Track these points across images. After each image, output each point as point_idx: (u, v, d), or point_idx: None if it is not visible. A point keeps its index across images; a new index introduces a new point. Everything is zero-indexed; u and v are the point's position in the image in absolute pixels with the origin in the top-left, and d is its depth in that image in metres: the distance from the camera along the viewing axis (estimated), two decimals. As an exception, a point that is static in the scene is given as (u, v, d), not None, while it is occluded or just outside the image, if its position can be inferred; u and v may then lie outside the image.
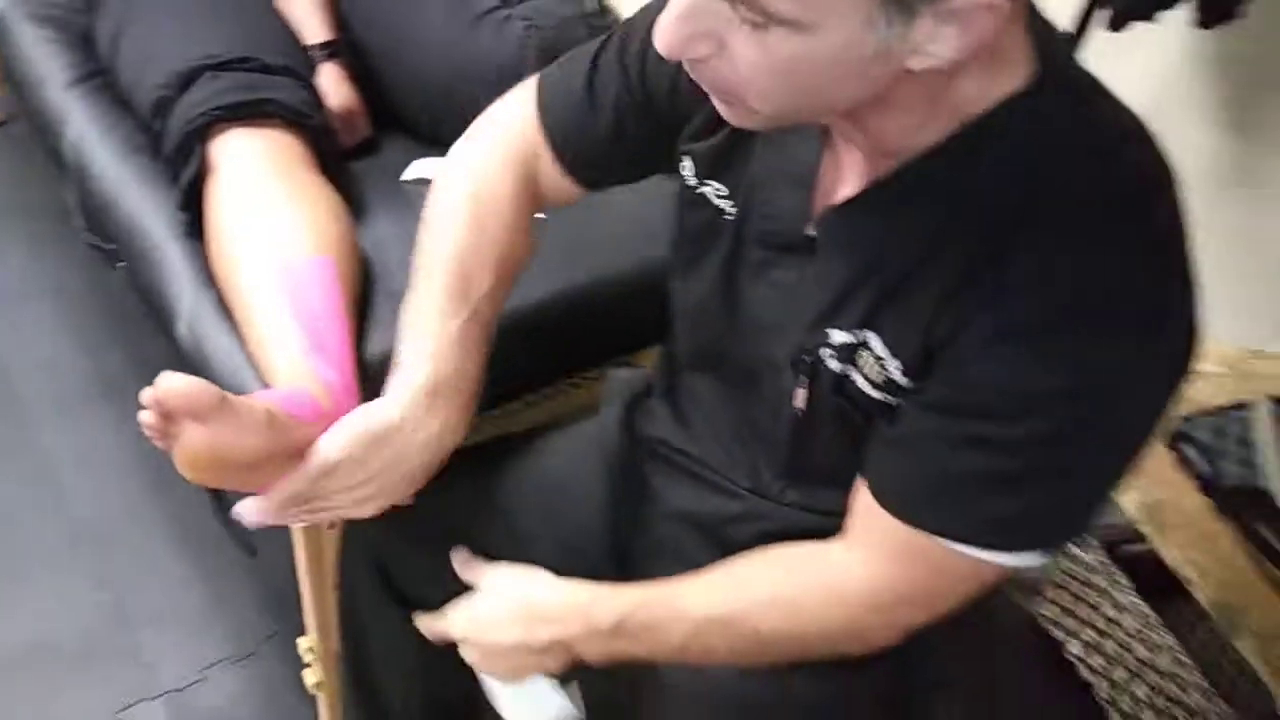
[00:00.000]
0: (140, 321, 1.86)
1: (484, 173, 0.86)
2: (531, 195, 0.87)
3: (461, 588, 1.04)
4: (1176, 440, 1.28)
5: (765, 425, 0.80)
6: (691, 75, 0.61)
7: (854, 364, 0.69)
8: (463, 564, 0.85)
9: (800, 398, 0.74)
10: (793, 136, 0.71)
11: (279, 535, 1.14)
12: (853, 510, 0.73)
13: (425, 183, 1.25)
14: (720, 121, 0.70)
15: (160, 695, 1.41)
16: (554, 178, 0.87)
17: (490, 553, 0.97)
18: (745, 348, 0.78)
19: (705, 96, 0.65)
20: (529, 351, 1.10)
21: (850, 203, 0.66)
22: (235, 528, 1.20)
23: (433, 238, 0.85)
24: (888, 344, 0.66)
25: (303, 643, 1.24)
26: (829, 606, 0.72)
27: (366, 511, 0.81)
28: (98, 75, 1.32)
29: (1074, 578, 1.63)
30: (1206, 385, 1.39)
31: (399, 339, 0.82)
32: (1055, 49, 0.62)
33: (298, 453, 0.76)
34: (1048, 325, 0.59)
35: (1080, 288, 0.59)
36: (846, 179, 0.68)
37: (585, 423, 1.07)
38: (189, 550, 1.57)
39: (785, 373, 0.74)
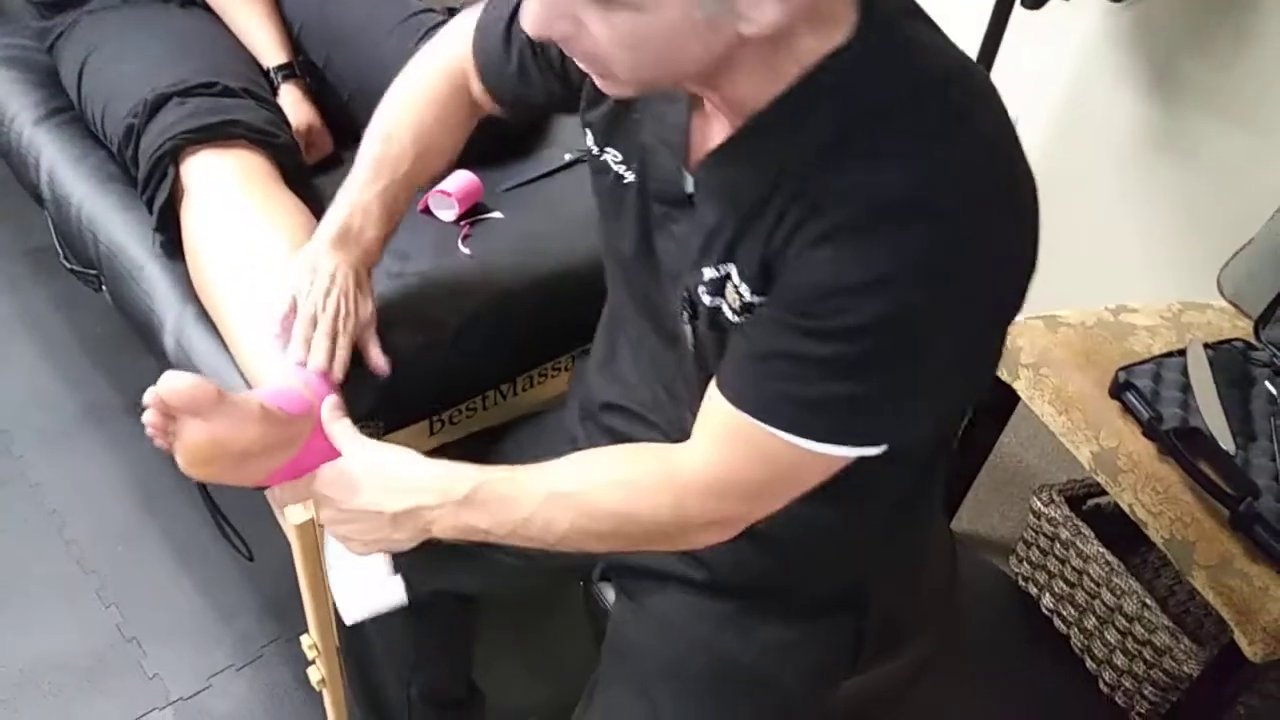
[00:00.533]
0: (119, 353, 1.91)
1: (425, 76, 1.01)
2: (464, 103, 1.01)
3: (451, 581, 1.09)
4: (1120, 389, 1.34)
5: (678, 368, 0.87)
6: (565, 51, 0.68)
7: (723, 296, 0.75)
8: (333, 422, 0.88)
9: (688, 335, 0.81)
10: (667, 106, 0.79)
11: (274, 539, 1.19)
12: (702, 405, 0.78)
13: (389, 192, 1.31)
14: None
15: (170, 704, 1.45)
16: (481, 96, 1.00)
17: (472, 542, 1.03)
18: (664, 295, 0.84)
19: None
20: (498, 344, 1.15)
21: (713, 155, 0.74)
22: (232, 534, 1.25)
23: (376, 119, 1.01)
24: (741, 271, 0.73)
25: (305, 640, 1.28)
26: (661, 489, 0.77)
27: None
28: (66, 110, 1.37)
29: (1041, 533, 1.69)
30: (1145, 336, 1.46)
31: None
32: (879, 5, 0.68)
33: (289, 443, 0.82)
34: (855, 227, 0.64)
35: (887, 196, 0.64)
36: (714, 137, 0.75)
37: (554, 411, 1.13)
38: (186, 563, 1.62)
39: (679, 314, 0.81)
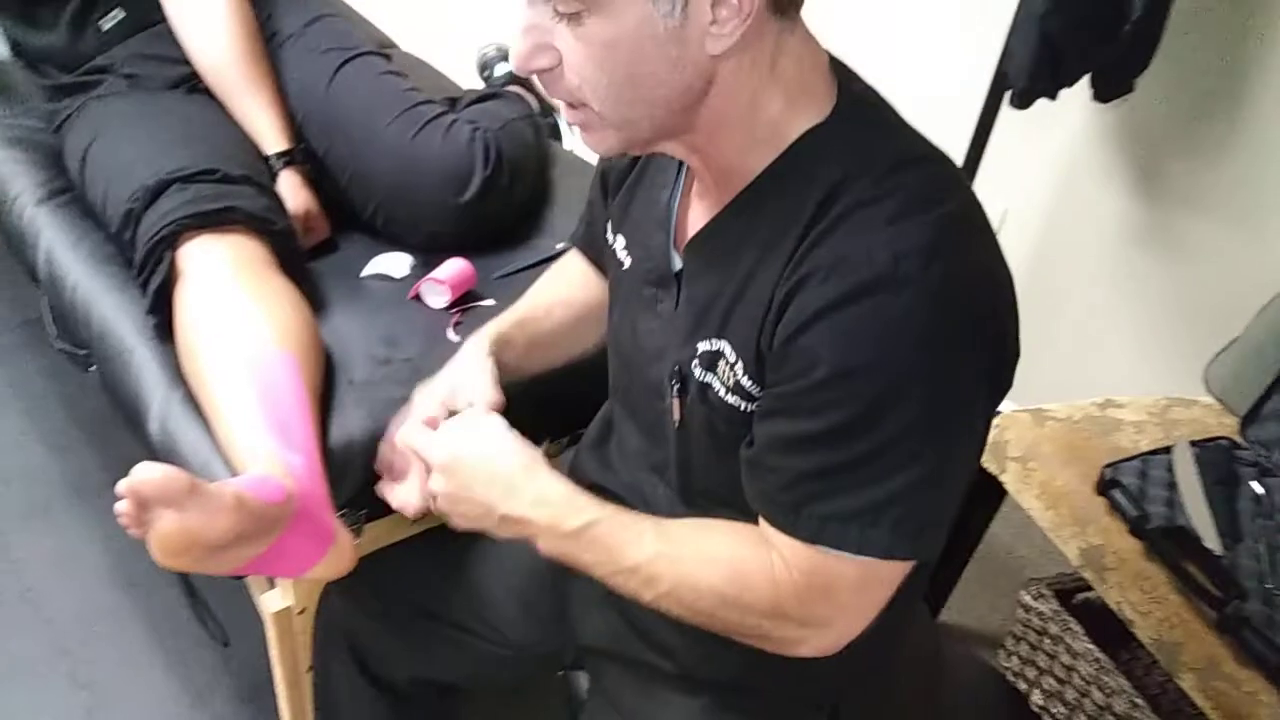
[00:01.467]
0: (107, 427, 1.91)
1: (548, 277, 1.09)
2: (587, 282, 1.05)
3: (430, 669, 1.08)
4: (1106, 486, 1.34)
5: (662, 450, 0.87)
6: (549, 92, 0.71)
7: (714, 371, 0.77)
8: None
9: (676, 410, 0.82)
10: (660, 191, 0.82)
11: (251, 625, 1.18)
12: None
13: (384, 278, 1.33)
14: (620, 180, 0.86)
15: (135, 791, 1.41)
16: (591, 273, 1.04)
17: (456, 622, 1.02)
18: (645, 377, 0.85)
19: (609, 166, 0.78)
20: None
21: (703, 231, 0.77)
22: (208, 619, 1.24)
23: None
24: (735, 348, 0.74)
25: (278, 729, 1.26)
26: (760, 580, 0.76)
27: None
28: (66, 191, 1.40)
29: (1030, 627, 1.67)
30: (1132, 432, 1.46)
31: None
32: (855, 89, 0.73)
33: (266, 532, 0.82)
34: (843, 304, 0.66)
35: (872, 270, 0.65)
36: (703, 215, 0.78)
37: None
38: (165, 647, 1.59)
39: (667, 391, 0.82)
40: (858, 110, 0.72)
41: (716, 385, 0.77)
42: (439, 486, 0.84)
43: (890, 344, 0.65)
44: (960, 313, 0.66)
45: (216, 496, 0.78)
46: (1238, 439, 1.41)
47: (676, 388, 0.81)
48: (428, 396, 0.93)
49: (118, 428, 1.24)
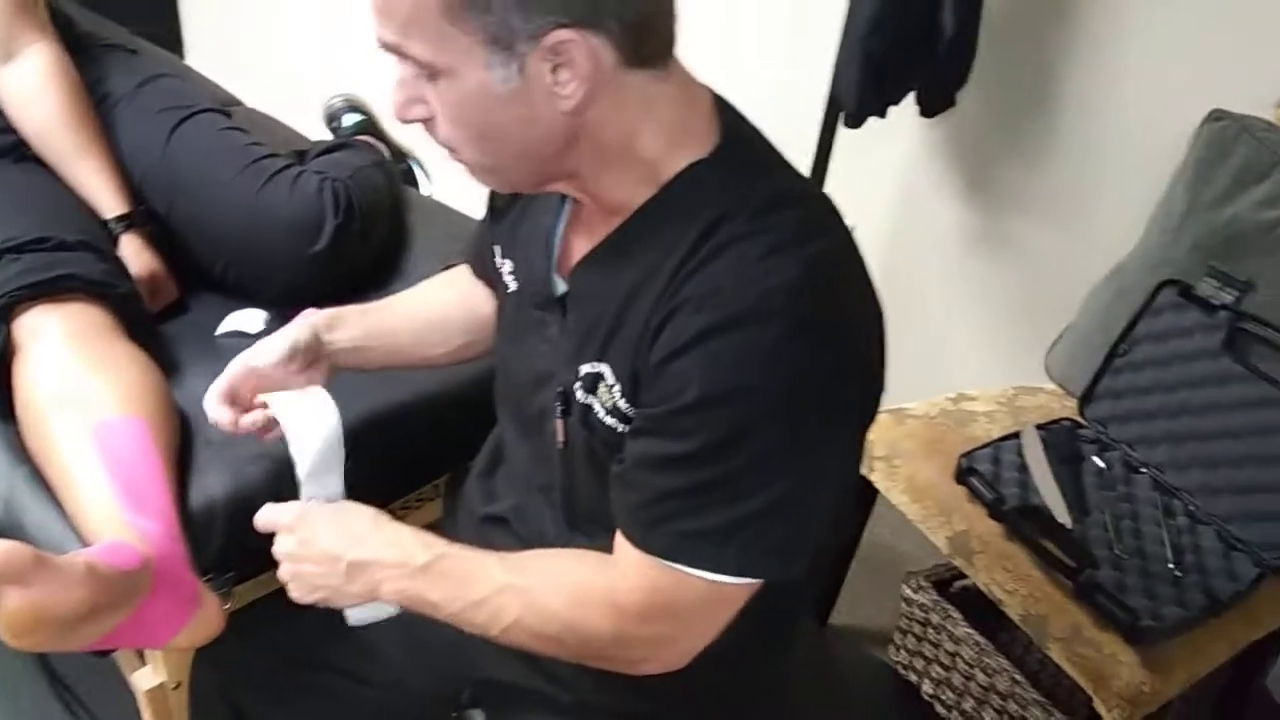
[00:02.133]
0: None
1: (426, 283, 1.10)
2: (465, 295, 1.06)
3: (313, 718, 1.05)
4: (964, 474, 1.41)
5: (548, 472, 0.88)
6: (433, 140, 0.74)
7: (595, 394, 0.79)
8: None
9: (560, 431, 0.83)
10: (544, 216, 0.84)
11: (124, 702, 1.13)
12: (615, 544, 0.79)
13: (240, 335, 1.31)
14: (509, 205, 0.89)
15: None
16: (477, 289, 1.05)
17: (340, 669, 1.00)
18: (534, 399, 0.87)
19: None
20: (356, 478, 1.14)
21: (588, 258, 0.79)
22: (77, 709, 1.18)
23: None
24: (614, 372, 0.77)
25: (157, 814, 1.20)
26: (601, 604, 0.77)
27: None
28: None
29: (914, 619, 1.73)
30: (985, 422, 1.54)
31: None
32: (739, 129, 0.77)
33: (122, 601, 0.79)
34: (711, 335, 0.68)
35: (740, 303, 0.68)
36: (588, 241, 0.80)
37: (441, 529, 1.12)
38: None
39: (552, 412, 0.83)
40: (739, 149, 0.75)
41: (597, 407, 0.79)
42: (284, 546, 0.84)
43: (754, 373, 0.67)
44: (825, 346, 0.69)
45: (66, 568, 0.75)
46: (1078, 419, 1.51)
47: (560, 409, 0.82)
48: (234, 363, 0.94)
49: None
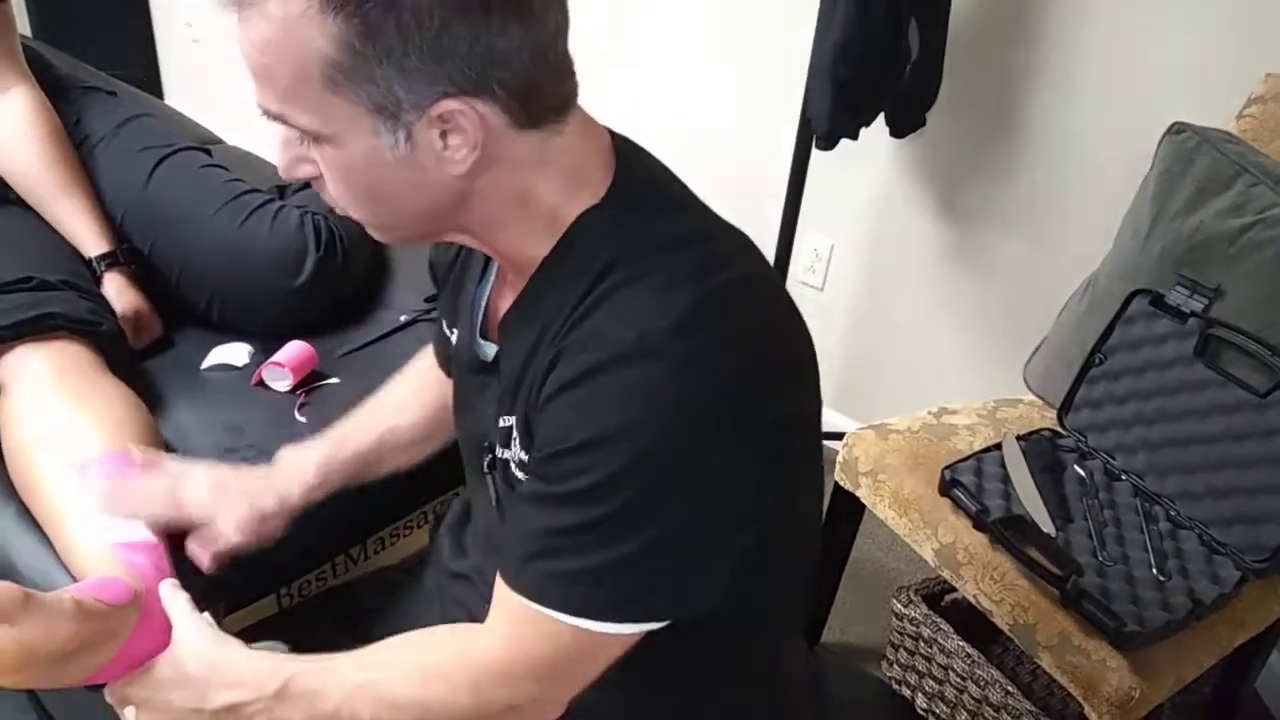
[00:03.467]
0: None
1: (396, 391, 1.08)
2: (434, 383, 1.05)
3: None
4: (948, 487, 1.42)
5: (496, 529, 0.86)
6: (322, 196, 0.73)
7: (509, 448, 0.78)
8: (169, 600, 0.87)
9: (491, 486, 0.83)
10: (473, 284, 0.85)
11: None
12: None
13: (225, 367, 1.32)
14: (445, 276, 0.88)
15: None
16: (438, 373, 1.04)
17: None
18: (480, 459, 0.86)
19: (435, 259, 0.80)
20: (340, 508, 1.13)
21: (505, 317, 0.78)
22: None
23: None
24: (516, 425, 0.76)
25: None
26: (457, 674, 0.75)
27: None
28: None
29: (905, 634, 1.73)
30: (966, 434, 1.56)
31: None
32: (636, 169, 0.74)
33: (111, 636, 0.79)
34: (584, 377, 0.66)
35: (614, 345, 0.66)
36: (509, 300, 0.79)
37: (416, 576, 1.10)
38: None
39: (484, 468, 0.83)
40: (633, 191, 0.73)
41: (512, 464, 0.78)
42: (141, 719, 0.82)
43: (635, 412, 0.65)
44: (709, 386, 0.66)
45: (54, 605, 0.75)
46: (1058, 429, 1.53)
47: (487, 464, 0.82)
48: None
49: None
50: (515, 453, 0.77)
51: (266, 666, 0.79)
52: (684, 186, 0.77)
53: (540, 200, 0.71)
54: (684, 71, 2.10)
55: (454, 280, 0.89)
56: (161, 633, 0.83)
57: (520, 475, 0.76)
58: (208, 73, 3.02)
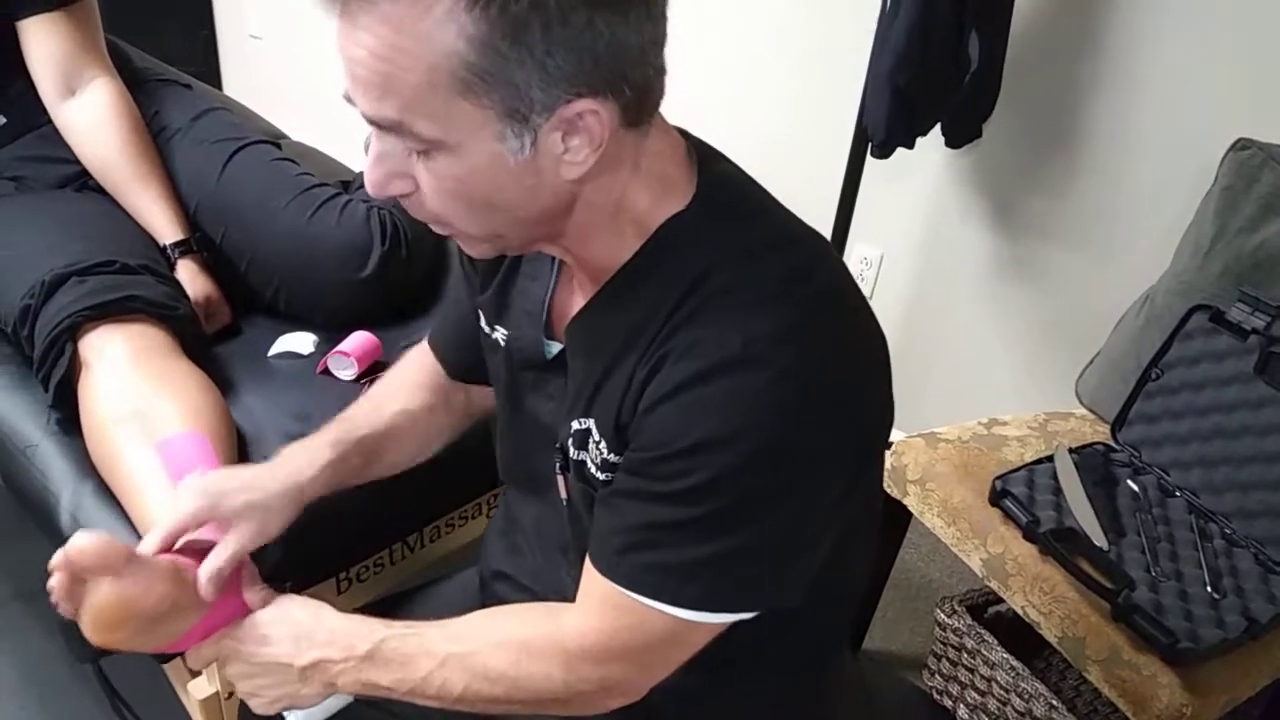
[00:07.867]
0: (7, 537, 1.83)
1: (397, 381, 1.03)
2: (433, 385, 1.02)
3: None
4: (998, 497, 1.42)
5: (561, 531, 0.88)
6: (411, 213, 0.71)
7: (586, 450, 0.79)
8: (247, 577, 0.87)
9: (563, 487, 0.84)
10: (532, 281, 0.84)
11: (171, 712, 1.15)
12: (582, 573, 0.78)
13: (291, 355, 1.35)
14: (489, 275, 0.86)
15: None
16: (441, 375, 1.02)
17: (392, 709, 1.01)
18: (541, 458, 0.86)
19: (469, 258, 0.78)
20: (402, 495, 1.16)
21: (576, 318, 0.78)
22: (130, 716, 1.20)
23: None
24: (599, 426, 0.76)
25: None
26: (549, 654, 0.77)
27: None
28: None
29: (948, 645, 1.73)
30: (1017, 446, 1.56)
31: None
32: (716, 173, 0.75)
33: (199, 603, 0.82)
34: (692, 384, 0.67)
35: (722, 352, 0.66)
36: (578, 300, 0.80)
37: (461, 574, 1.12)
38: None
39: (554, 470, 0.83)
40: (718, 195, 0.73)
41: (589, 464, 0.79)
42: (232, 673, 0.85)
43: (738, 420, 0.66)
44: (810, 392, 0.67)
45: (152, 564, 0.79)
46: (1111, 443, 1.52)
47: (559, 465, 0.82)
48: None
49: (17, 538, 1.20)
50: (595, 454, 0.77)
51: (360, 629, 0.82)
52: (761, 187, 0.78)
53: (633, 206, 0.71)
54: (738, 78, 2.11)
55: (502, 278, 0.88)
56: (238, 609, 0.85)
57: (600, 475, 0.77)
58: (267, 70, 3.08)
